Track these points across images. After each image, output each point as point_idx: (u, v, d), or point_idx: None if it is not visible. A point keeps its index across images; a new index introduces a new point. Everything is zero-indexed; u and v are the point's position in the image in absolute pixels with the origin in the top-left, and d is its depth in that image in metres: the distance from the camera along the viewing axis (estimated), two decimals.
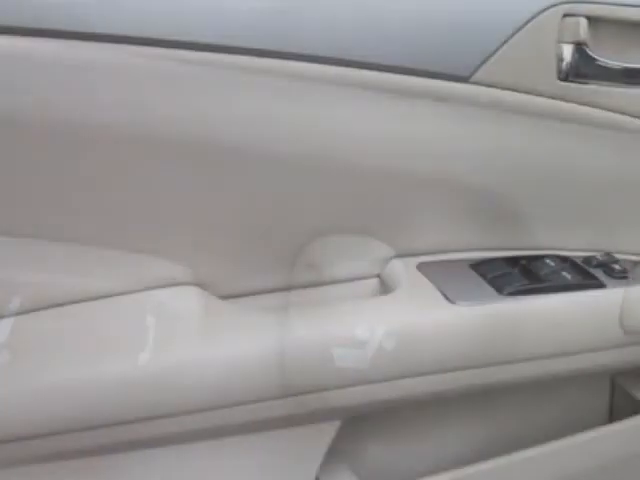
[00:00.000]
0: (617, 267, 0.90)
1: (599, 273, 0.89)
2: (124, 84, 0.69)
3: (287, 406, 0.72)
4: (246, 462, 0.75)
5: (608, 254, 0.93)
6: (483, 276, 0.86)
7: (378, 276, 0.89)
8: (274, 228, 0.81)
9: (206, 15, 0.71)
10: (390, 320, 0.78)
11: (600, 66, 0.84)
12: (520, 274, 0.86)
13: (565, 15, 0.81)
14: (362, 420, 0.85)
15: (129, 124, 0.71)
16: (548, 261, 0.89)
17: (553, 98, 0.83)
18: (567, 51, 0.82)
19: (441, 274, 0.85)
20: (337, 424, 0.78)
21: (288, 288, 0.84)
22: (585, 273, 0.89)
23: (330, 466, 0.81)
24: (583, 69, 0.83)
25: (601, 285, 0.87)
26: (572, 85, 0.83)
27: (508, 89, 0.81)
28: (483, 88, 0.80)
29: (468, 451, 0.91)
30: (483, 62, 0.79)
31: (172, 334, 0.73)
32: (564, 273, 0.87)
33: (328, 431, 0.77)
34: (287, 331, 0.74)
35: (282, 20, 0.74)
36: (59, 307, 0.76)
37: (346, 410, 0.77)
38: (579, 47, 0.83)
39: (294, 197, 0.80)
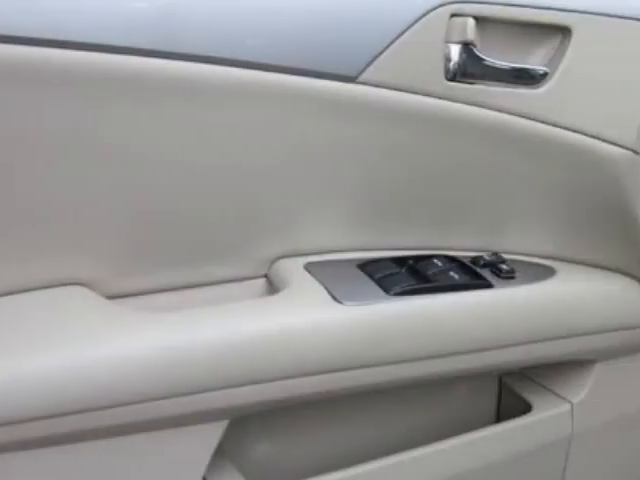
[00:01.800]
0: (504, 267, 0.97)
1: (487, 273, 0.96)
2: None
3: (174, 406, 0.75)
4: (132, 462, 0.77)
5: (496, 254, 1.00)
6: (370, 276, 0.91)
7: (265, 276, 0.93)
8: (161, 228, 0.84)
9: (85, 14, 0.74)
10: (277, 320, 0.81)
11: (487, 66, 0.90)
12: (407, 274, 0.92)
13: (453, 15, 0.87)
14: (250, 420, 0.89)
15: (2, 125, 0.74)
16: (436, 261, 0.95)
17: (441, 98, 0.88)
18: (455, 51, 0.88)
19: (329, 274, 0.90)
20: (224, 424, 0.81)
21: (175, 288, 0.88)
22: (473, 273, 0.95)
23: (217, 466, 0.84)
24: (470, 69, 0.89)
25: (489, 285, 0.94)
26: (460, 85, 0.89)
27: (396, 89, 0.86)
28: (371, 88, 0.85)
29: (356, 451, 0.95)
30: (370, 62, 0.83)
31: (56, 335, 0.75)
32: (452, 273, 0.93)
33: (215, 431, 0.80)
34: (173, 332, 0.77)
35: (166, 19, 0.76)
36: None
37: (233, 410, 0.80)
38: (467, 47, 0.88)
39: (180, 197, 0.83)
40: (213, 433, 0.80)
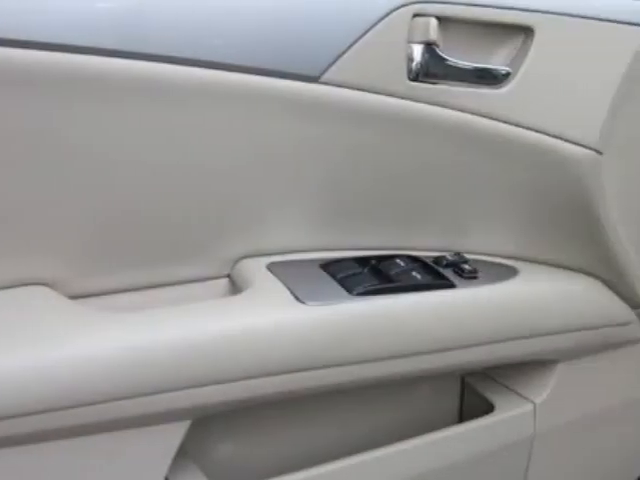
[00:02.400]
0: (467, 267, 1.00)
1: (449, 273, 0.99)
2: None
3: (136, 406, 0.76)
4: (94, 463, 0.78)
5: (458, 254, 1.03)
6: (333, 276, 0.93)
7: (228, 276, 0.95)
8: (124, 228, 0.85)
9: (48, 14, 0.75)
10: (239, 320, 0.83)
11: (450, 66, 0.92)
12: (370, 274, 0.94)
13: (415, 15, 0.89)
14: (213, 420, 0.90)
15: None
16: (398, 261, 0.97)
17: (404, 98, 0.90)
18: (417, 51, 0.90)
19: (291, 274, 0.92)
20: (187, 424, 0.82)
21: (138, 288, 0.89)
22: (435, 273, 0.97)
23: (180, 466, 0.85)
24: (433, 69, 0.91)
25: (451, 285, 0.96)
26: (422, 85, 0.91)
27: (359, 89, 0.88)
28: (333, 88, 0.86)
29: (319, 451, 0.97)
30: (333, 62, 0.85)
31: (18, 335, 0.75)
32: (414, 273, 0.95)
33: (178, 431, 0.81)
34: (135, 332, 0.78)
35: (129, 20, 0.78)
36: None
37: (196, 410, 0.81)
38: (429, 47, 0.90)
39: (143, 197, 0.85)
40: (175, 433, 0.82)
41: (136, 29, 0.78)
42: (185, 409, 0.80)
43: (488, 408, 1.08)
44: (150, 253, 0.89)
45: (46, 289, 0.84)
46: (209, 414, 0.85)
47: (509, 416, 1.07)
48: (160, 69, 0.80)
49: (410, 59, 0.90)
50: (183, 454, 0.86)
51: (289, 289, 0.89)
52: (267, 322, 0.85)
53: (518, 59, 0.95)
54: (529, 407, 1.08)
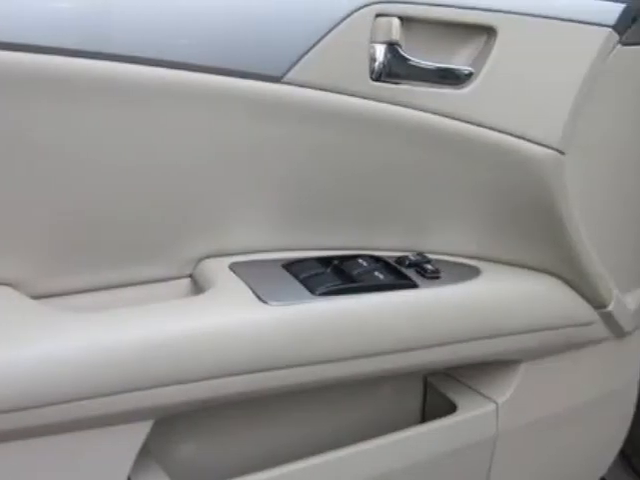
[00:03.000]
0: (429, 267, 1.02)
1: (412, 273, 1.01)
2: None
3: (98, 406, 0.77)
4: (56, 463, 0.79)
5: (421, 254, 1.05)
6: (296, 276, 0.94)
7: (190, 276, 0.96)
8: (87, 228, 0.87)
9: (10, 14, 0.76)
10: (202, 320, 0.84)
11: (412, 66, 0.93)
12: (333, 274, 0.95)
13: (378, 15, 0.90)
14: (175, 420, 0.91)
15: None
16: (361, 261, 0.99)
17: (366, 98, 0.92)
18: (380, 51, 0.91)
19: (254, 274, 0.93)
20: (149, 424, 0.83)
21: (100, 288, 0.90)
22: (398, 273, 0.99)
23: (142, 466, 0.86)
24: (395, 69, 0.92)
25: (414, 285, 0.98)
26: (385, 85, 0.92)
27: (321, 89, 0.89)
28: (296, 88, 0.88)
29: (282, 451, 0.99)
30: (295, 62, 0.87)
31: None
32: (376, 273, 0.97)
33: (140, 431, 0.82)
34: (98, 331, 0.79)
35: (92, 20, 0.79)
36: None
37: (158, 410, 0.82)
38: (392, 47, 0.92)
39: (106, 197, 0.86)
40: (138, 433, 0.83)
41: (99, 29, 0.79)
42: (148, 409, 0.82)
43: (450, 408, 1.10)
44: (112, 253, 0.90)
45: (9, 289, 0.85)
46: (172, 414, 0.86)
47: (472, 416, 1.09)
48: (122, 69, 0.81)
49: (373, 59, 0.92)
50: (146, 454, 0.87)
51: (251, 289, 0.90)
52: (229, 322, 0.86)
53: (480, 59, 0.97)
54: (492, 407, 1.10)
